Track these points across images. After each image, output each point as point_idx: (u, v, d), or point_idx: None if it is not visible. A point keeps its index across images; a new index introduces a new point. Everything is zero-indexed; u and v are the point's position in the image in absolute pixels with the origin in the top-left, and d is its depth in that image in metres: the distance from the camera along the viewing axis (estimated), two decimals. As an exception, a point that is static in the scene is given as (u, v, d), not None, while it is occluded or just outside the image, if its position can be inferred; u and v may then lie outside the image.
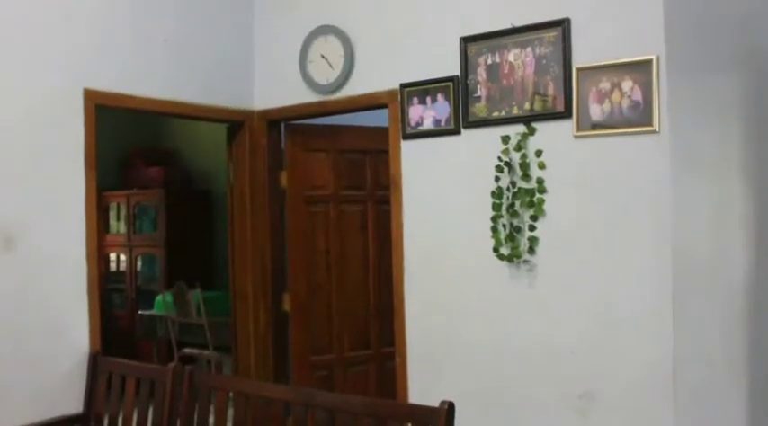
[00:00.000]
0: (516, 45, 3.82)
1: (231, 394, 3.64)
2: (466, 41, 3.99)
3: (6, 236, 3.78)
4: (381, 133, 4.44)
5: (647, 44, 3.44)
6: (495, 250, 3.87)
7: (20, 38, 3.86)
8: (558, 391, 3.70)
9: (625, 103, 3.49)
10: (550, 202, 3.73)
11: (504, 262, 3.86)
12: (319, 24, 4.63)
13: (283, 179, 5.03)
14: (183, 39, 4.59)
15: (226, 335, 5.55)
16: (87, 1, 4.13)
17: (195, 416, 3.65)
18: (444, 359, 4.10)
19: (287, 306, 5.01)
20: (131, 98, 4.32)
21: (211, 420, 3.64)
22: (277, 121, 5.02)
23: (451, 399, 2.97)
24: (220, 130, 5.18)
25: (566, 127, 3.68)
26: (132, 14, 4.34)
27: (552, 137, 3.72)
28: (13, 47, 3.84)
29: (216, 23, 4.77)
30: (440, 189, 4.14)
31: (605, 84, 3.54)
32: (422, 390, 4.15)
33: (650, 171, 3.45)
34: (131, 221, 7.82)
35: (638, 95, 3.46)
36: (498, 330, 3.90)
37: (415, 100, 4.21)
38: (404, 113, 4.26)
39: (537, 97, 3.76)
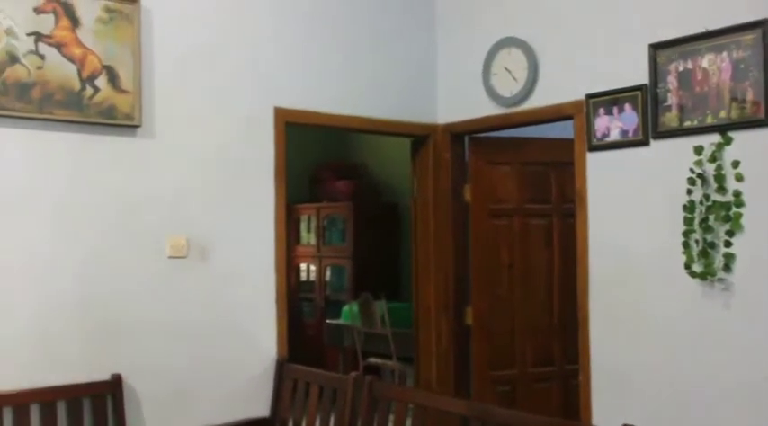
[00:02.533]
0: (710, 50, 3.60)
1: (410, 405, 3.66)
2: (655, 48, 3.81)
3: (202, 247, 4.03)
4: (566, 145, 4.32)
5: None
6: (687, 266, 3.64)
7: (221, 62, 4.13)
8: (750, 422, 3.42)
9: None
10: (749, 216, 3.47)
11: (697, 280, 3.63)
12: (502, 37, 4.59)
13: (467, 192, 5.02)
14: (368, 56, 4.70)
15: (410, 346, 5.60)
16: (274, 24, 4.34)
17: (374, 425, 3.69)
18: (629, 380, 3.91)
19: (469, 320, 4.98)
20: (318, 115, 4.48)
21: (390, 430, 3.68)
22: (461, 135, 5.02)
23: (635, 423, 2.82)
24: (407, 144, 5.25)
25: (766, 135, 3.41)
26: (318, 34, 4.50)
27: (751, 146, 3.47)
28: (217, 71, 4.12)
29: (399, 39, 4.85)
30: (627, 202, 3.96)
31: (812, 89, 3.25)
32: (606, 411, 3.98)
33: None
34: (321, 233, 8.08)
35: None
36: (687, 351, 3.67)
37: (601, 110, 4.06)
38: (589, 124, 4.12)
39: (734, 104, 3.52)
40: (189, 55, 4.04)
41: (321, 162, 8.24)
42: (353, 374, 3.87)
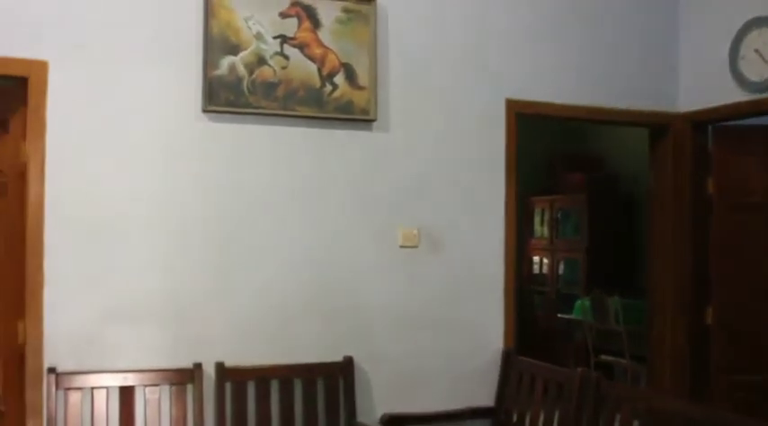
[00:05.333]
0: None
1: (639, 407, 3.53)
2: None
3: (433, 238, 4.15)
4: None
5: None
6: None
7: (453, 56, 4.21)
8: None
9: None
10: None
11: None
12: (752, 16, 4.27)
13: (710, 185, 4.73)
14: (601, 44, 4.57)
15: (644, 345, 5.39)
16: (504, 15, 4.34)
17: (600, 425, 3.60)
18: None
19: (709, 320, 4.70)
20: (550, 105, 4.43)
21: (617, 430, 3.57)
22: (703, 123, 4.73)
23: None
24: (646, 133, 5.03)
25: None
26: (548, 24, 4.45)
27: None
28: (449, 66, 4.21)
29: (635, 24, 4.66)
30: None
31: None
32: None
33: None
34: (554, 225, 7.97)
35: None
36: None
37: None
38: None
39: None
40: (421, 50, 4.15)
41: (556, 153, 8.12)
42: (580, 370, 3.79)
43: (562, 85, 4.46)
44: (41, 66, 3.51)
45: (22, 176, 3.55)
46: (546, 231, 8.11)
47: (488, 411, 4.13)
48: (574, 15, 4.52)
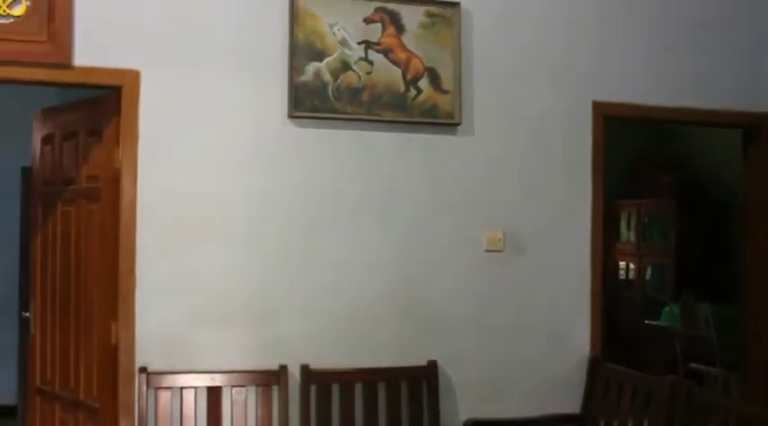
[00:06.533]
0: None
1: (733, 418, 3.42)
2: None
3: (518, 243, 4.11)
4: None
5: None
6: None
7: (538, 59, 4.17)
8: None
9: None
10: None
11: None
12: None
13: (807, 188, 4.55)
14: (691, 43, 4.44)
15: (737, 353, 5.22)
16: (591, 17, 4.27)
17: (692, 435, 3.51)
18: None
19: (807, 329, 4.52)
20: (638, 107, 4.33)
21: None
22: (799, 124, 4.56)
23: None
24: (738, 135, 4.87)
25: None
26: (635, 23, 4.35)
27: None
28: (534, 69, 4.17)
29: (725, 20, 4.51)
30: None
31: None
32: None
33: None
34: (641, 230, 7.80)
35: None
36: None
37: None
38: None
39: None
40: (505, 52, 4.12)
41: (642, 155, 7.94)
42: (670, 377, 3.70)
43: (651, 86, 4.35)
44: (134, 76, 3.62)
45: (115, 182, 3.67)
46: (632, 236, 7.95)
47: (574, 418, 4.05)
48: (659, 17, 4.41)
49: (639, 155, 7.97)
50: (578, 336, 4.18)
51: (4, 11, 3.43)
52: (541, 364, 4.11)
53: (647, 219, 7.79)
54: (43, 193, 4.14)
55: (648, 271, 7.78)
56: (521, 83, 4.14)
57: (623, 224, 8.09)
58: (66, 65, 3.52)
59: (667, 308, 6.93)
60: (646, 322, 7.33)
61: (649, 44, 4.37)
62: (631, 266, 7.99)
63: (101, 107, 3.77)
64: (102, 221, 3.73)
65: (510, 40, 4.13)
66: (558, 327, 4.16)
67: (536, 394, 4.08)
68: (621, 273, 8.11)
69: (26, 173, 5.10)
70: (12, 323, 5.78)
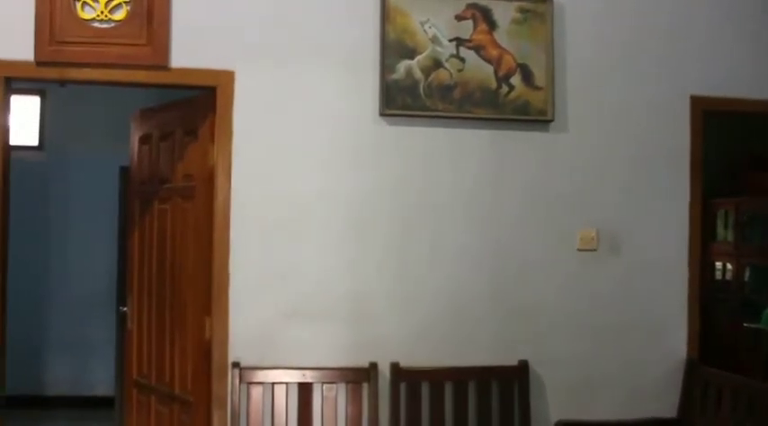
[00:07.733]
0: None
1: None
2: None
3: (612, 240, 4.02)
4: None
5: None
6: None
7: (634, 54, 4.07)
8: None
9: None
10: None
11: None
12: None
13: None
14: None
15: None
16: (687, 10, 4.14)
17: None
18: None
19: None
20: (741, 101, 4.18)
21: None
22: None
23: None
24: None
25: None
26: (734, 17, 4.19)
27: None
28: (630, 64, 4.07)
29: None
30: None
31: None
32: None
33: None
34: (740, 230, 7.53)
35: None
36: None
37: None
38: None
39: None
40: (601, 49, 4.04)
41: (737, 150, 7.65)
42: (775, 383, 3.56)
43: (752, 79, 4.18)
44: (228, 76, 3.69)
45: (209, 180, 3.74)
46: (730, 235, 7.67)
47: (671, 423, 3.94)
48: (763, 9, 4.24)
49: (734, 150, 7.68)
50: (675, 338, 4.07)
51: (107, 16, 3.56)
52: (636, 366, 4.00)
53: (746, 218, 7.50)
54: (140, 192, 4.26)
55: (747, 272, 7.49)
56: (614, 78, 4.05)
57: (720, 223, 7.81)
58: (164, 66, 3.62)
59: (766, 311, 6.67)
60: (744, 325, 7.07)
61: (757, 37, 4.21)
62: (728, 266, 7.71)
63: (196, 107, 3.85)
64: (196, 219, 3.82)
65: (603, 34, 4.04)
66: (653, 328, 4.05)
67: (630, 396, 3.98)
68: (718, 274, 7.84)
69: (124, 172, 5.24)
70: (110, 317, 5.95)
